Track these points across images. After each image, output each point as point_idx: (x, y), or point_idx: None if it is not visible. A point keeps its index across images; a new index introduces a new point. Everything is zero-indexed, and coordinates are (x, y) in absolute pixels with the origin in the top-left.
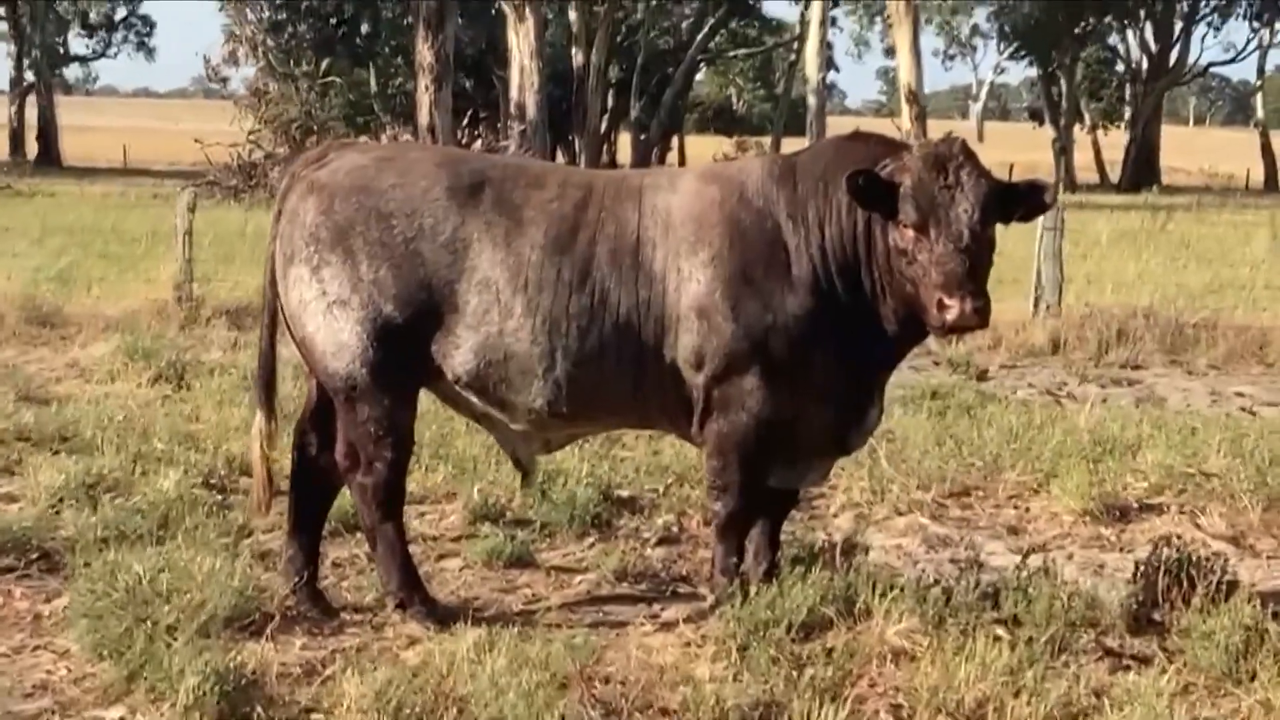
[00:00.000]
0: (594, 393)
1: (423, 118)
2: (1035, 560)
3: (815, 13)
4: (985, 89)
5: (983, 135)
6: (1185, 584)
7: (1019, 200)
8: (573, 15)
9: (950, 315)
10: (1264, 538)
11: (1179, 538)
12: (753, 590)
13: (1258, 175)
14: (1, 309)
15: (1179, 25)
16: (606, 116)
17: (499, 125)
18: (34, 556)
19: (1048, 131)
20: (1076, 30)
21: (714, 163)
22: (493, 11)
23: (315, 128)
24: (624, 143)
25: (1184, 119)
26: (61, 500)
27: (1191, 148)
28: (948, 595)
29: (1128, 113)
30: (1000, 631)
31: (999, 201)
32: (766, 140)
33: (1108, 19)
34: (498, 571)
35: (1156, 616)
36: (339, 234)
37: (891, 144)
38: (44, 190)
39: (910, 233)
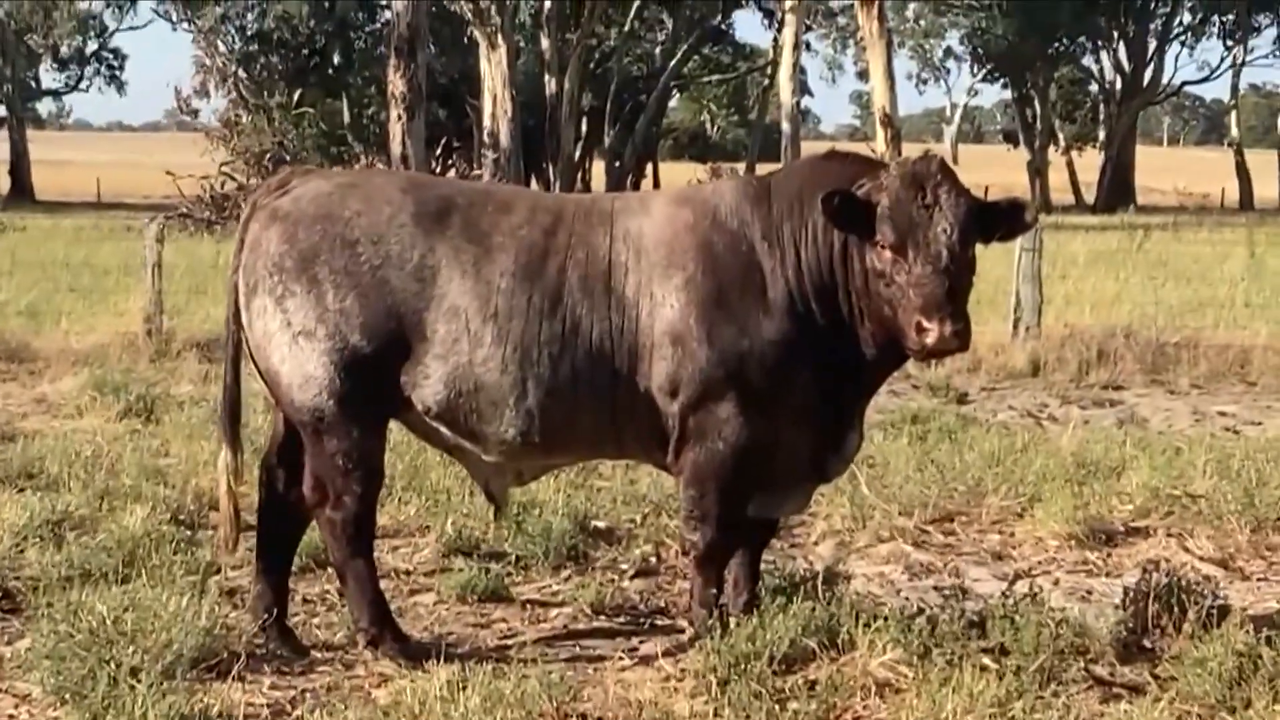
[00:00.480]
0: (567, 422)
1: (395, 147)
2: (1021, 587)
3: (788, 37)
4: (959, 112)
5: (957, 158)
6: (1176, 610)
7: (999, 219)
8: (545, 43)
9: (929, 339)
10: (1253, 560)
11: (1167, 561)
12: (732, 622)
13: (1233, 194)
14: None
15: (1153, 45)
16: (580, 144)
17: (473, 154)
18: None
19: (1022, 153)
20: (1050, 51)
21: (686, 186)
22: (465, 40)
23: (288, 158)
24: (598, 170)
25: (1158, 139)
26: (25, 539)
27: (1166, 167)
28: (933, 625)
29: (1102, 133)
30: (987, 661)
31: (979, 221)
32: (741, 166)
33: (1081, 39)
34: (472, 606)
35: (1147, 643)
36: (303, 263)
37: (868, 163)
38: (14, 225)
39: (888, 254)
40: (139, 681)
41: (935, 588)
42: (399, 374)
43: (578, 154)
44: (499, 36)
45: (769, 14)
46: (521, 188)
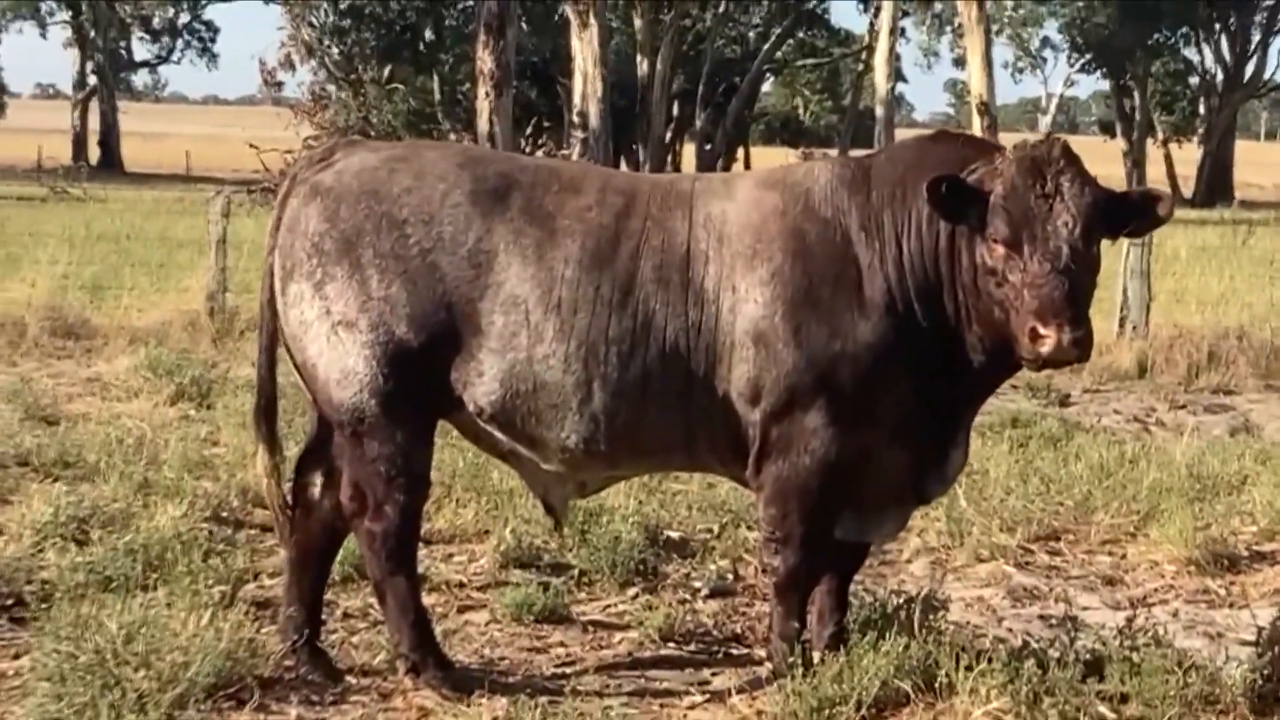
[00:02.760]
0: (635, 429)
1: (483, 125)
2: (1139, 620)
3: (885, 22)
4: (1055, 102)
5: None
6: None
7: (1130, 213)
8: (638, 23)
9: (1045, 347)
10: None
11: None
12: (816, 658)
13: None
14: (24, 318)
15: (1256, 37)
16: (671, 126)
17: (562, 134)
18: (8, 603)
19: (1118, 145)
20: (1150, 42)
21: (777, 166)
22: (557, 19)
23: (373, 134)
24: (688, 153)
25: (1255, 133)
26: (46, 537)
27: (1265, 162)
28: (1043, 666)
29: (1201, 126)
30: (1105, 711)
31: (1105, 214)
32: (834, 152)
33: (1183, 30)
34: (528, 627)
35: None
36: (345, 245)
37: (981, 145)
38: (95, 195)
39: (1001, 249)
40: (146, 713)
41: (1041, 616)
42: (449, 370)
43: (668, 136)
44: (590, 15)
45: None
46: (591, 165)
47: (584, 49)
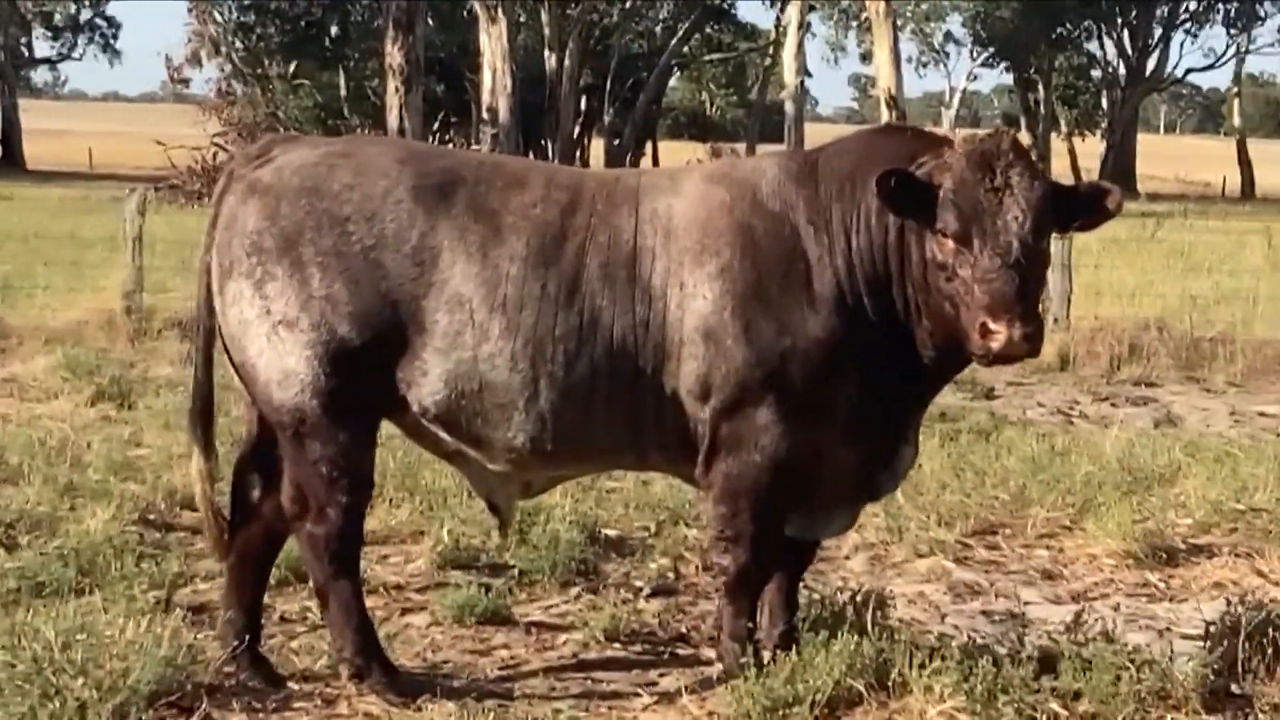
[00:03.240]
0: (583, 428)
1: (392, 120)
2: (1085, 616)
3: (793, 16)
4: (958, 96)
5: None
6: (1269, 649)
7: (1079, 206)
8: (545, 18)
9: (996, 343)
10: None
11: (1235, 585)
12: (767, 658)
13: (1233, 182)
14: None
15: (1158, 31)
16: (579, 121)
17: (470, 130)
18: None
19: (1023, 139)
20: (1053, 36)
21: (723, 161)
22: (465, 14)
23: (281, 129)
24: (597, 148)
25: (1155, 127)
26: None
27: (1165, 155)
28: (996, 664)
29: (1104, 120)
30: (1056, 707)
31: (1055, 208)
32: (741, 146)
33: (1085, 24)
34: (470, 629)
35: (1236, 689)
36: (286, 243)
37: (929, 139)
38: (1, 194)
39: (950, 244)
40: None
41: (984, 612)
42: (393, 370)
43: (577, 131)
44: (499, 10)
45: None
46: (535, 161)
47: (492, 44)
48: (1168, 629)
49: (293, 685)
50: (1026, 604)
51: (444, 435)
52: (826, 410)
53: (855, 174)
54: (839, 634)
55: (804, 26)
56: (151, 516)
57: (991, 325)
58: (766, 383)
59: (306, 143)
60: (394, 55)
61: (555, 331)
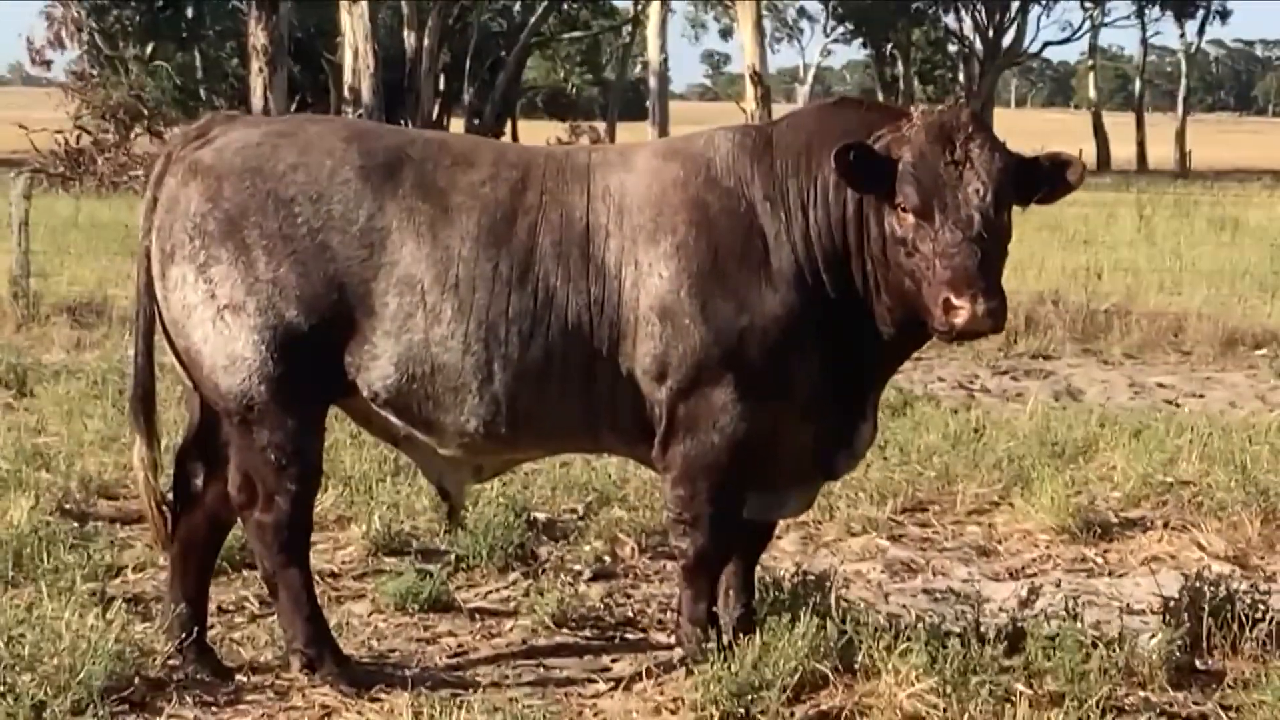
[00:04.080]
0: (537, 411)
1: (256, 101)
2: (1027, 592)
3: None
4: (812, 72)
5: None
6: (1233, 624)
7: (1040, 179)
8: None
9: (959, 318)
10: (1271, 556)
11: (1173, 558)
12: (726, 640)
13: (1089, 155)
14: None
15: (1015, 5)
16: (439, 101)
17: (329, 111)
18: None
19: None
20: (911, 10)
21: (675, 136)
22: None
23: (144, 112)
24: (457, 127)
25: (1006, 100)
26: None
27: (1018, 129)
28: (965, 645)
29: (961, 94)
30: (1023, 688)
31: (1016, 181)
32: (601, 125)
33: None
34: (413, 617)
35: (1200, 665)
36: (230, 225)
37: (886, 111)
38: None
39: (910, 218)
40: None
41: (925, 590)
42: (342, 354)
43: (436, 111)
44: None
45: None
46: (482, 138)
47: (354, 24)
48: (1127, 607)
49: (242, 677)
50: (964, 581)
51: (394, 420)
52: (785, 389)
53: (811, 148)
54: (800, 616)
55: (667, 2)
56: (68, 506)
57: (954, 300)
58: (725, 362)
59: (247, 122)
60: (258, 35)
61: (508, 313)
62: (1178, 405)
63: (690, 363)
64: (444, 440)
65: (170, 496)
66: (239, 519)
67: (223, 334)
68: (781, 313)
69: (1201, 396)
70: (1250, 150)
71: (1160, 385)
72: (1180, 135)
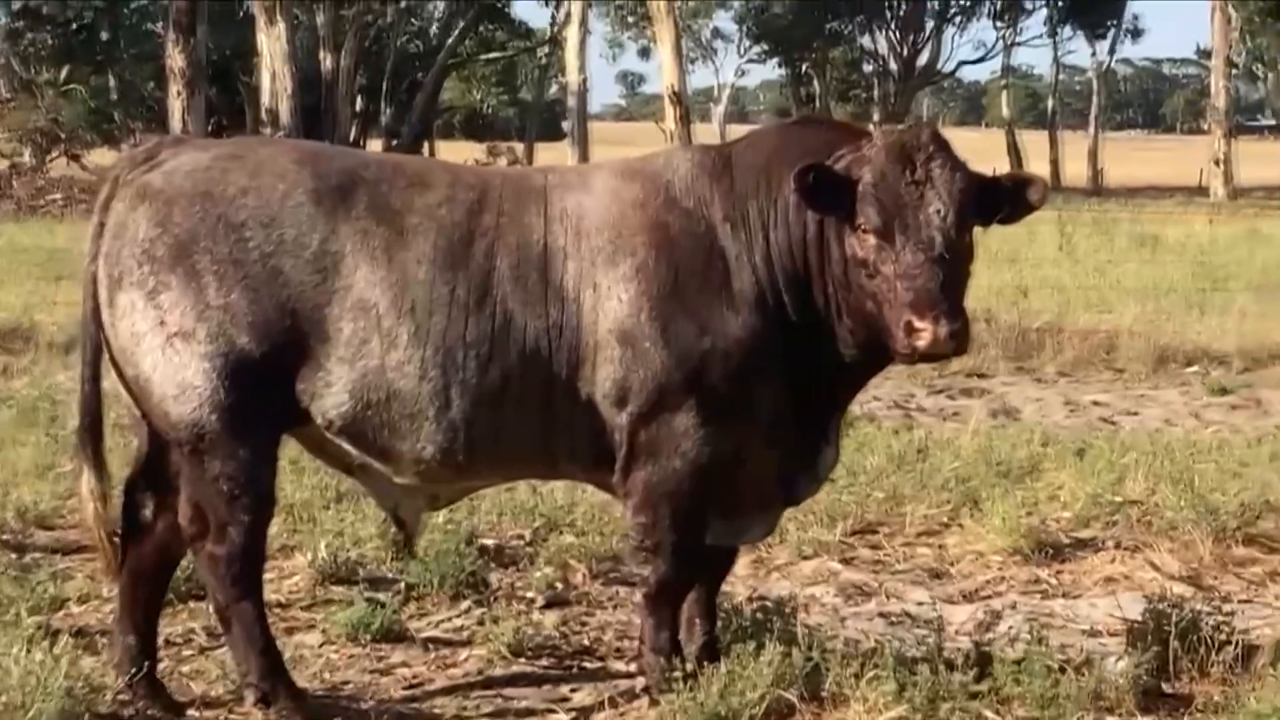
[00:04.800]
0: (495, 437)
1: (175, 124)
2: (983, 615)
3: (576, 13)
4: (727, 92)
5: (725, 138)
6: (1200, 648)
7: (1002, 199)
8: (321, 19)
9: (921, 341)
10: (1224, 576)
11: (1127, 578)
12: (689, 669)
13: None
14: None
15: (930, 25)
16: (357, 122)
17: (246, 133)
18: None
19: None
20: (827, 31)
21: (632, 157)
22: (239, 16)
23: (63, 135)
24: (374, 148)
25: (918, 119)
26: None
27: None
28: (934, 671)
29: (877, 113)
30: (991, 714)
31: (978, 201)
32: (519, 146)
33: (859, 18)
34: (366, 647)
35: (1168, 689)
36: (179, 250)
37: (846, 130)
38: None
39: (871, 239)
40: None
41: (881, 614)
42: (295, 382)
43: (354, 133)
44: (277, 12)
45: None
46: (435, 159)
47: (272, 45)
48: (1092, 629)
49: (194, 713)
50: (919, 604)
51: (349, 448)
52: (747, 413)
53: (771, 168)
54: (765, 644)
55: (587, 22)
56: (5, 537)
57: (916, 323)
58: (686, 386)
59: (195, 145)
60: (175, 58)
61: (466, 337)
62: (1114, 423)
63: (651, 387)
64: (400, 468)
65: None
66: (190, 550)
67: (173, 362)
68: (743, 335)
69: (1136, 414)
70: (1161, 168)
71: (1095, 403)
72: (1094, 153)
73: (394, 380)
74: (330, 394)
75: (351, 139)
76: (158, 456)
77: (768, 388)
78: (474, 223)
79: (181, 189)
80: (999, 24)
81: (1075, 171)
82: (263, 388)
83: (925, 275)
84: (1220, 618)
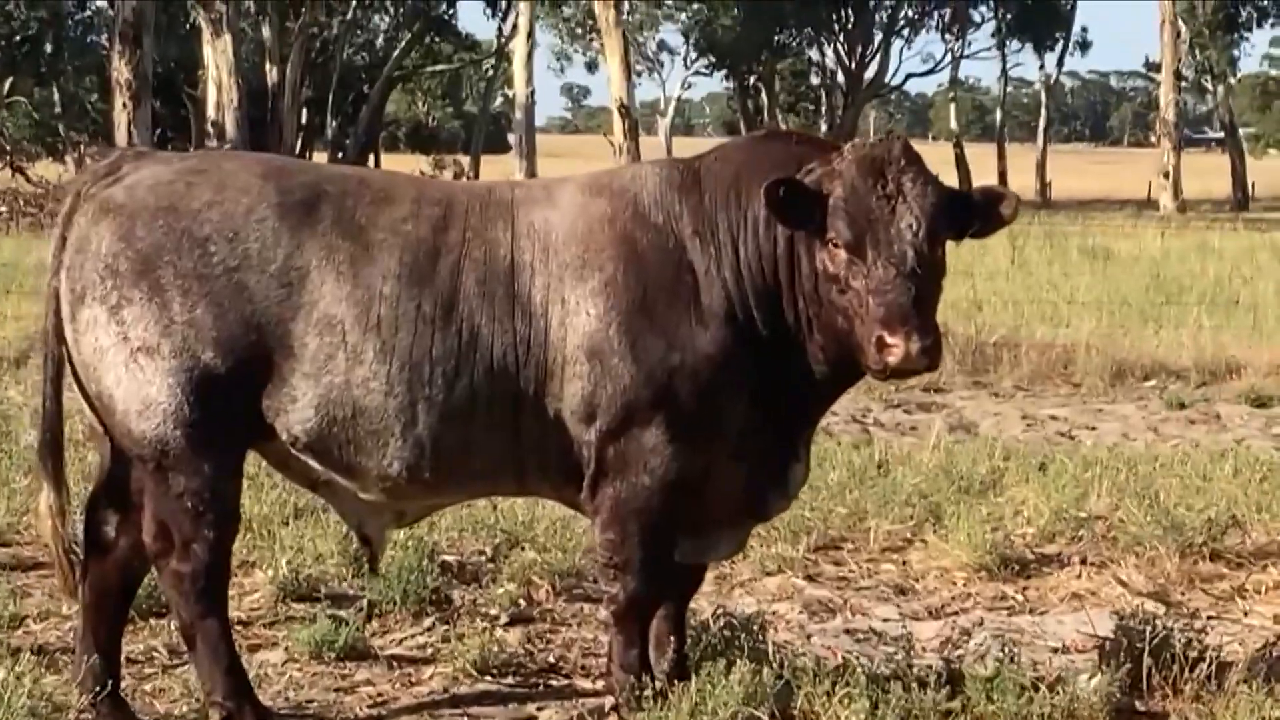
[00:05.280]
0: (462, 454)
1: (121, 137)
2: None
3: (523, 26)
4: (673, 105)
5: (671, 151)
6: (1173, 665)
7: (974, 213)
8: (266, 31)
9: (893, 357)
10: (1191, 592)
11: (1093, 595)
12: (658, 687)
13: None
14: None
15: (879, 37)
16: (301, 135)
17: (190, 146)
18: None
19: None
20: (774, 43)
21: (600, 171)
22: (184, 28)
23: (7, 147)
24: (320, 160)
25: (865, 132)
26: None
27: None
28: (906, 689)
29: (824, 126)
30: None
31: (950, 215)
32: (465, 158)
33: (807, 31)
34: (329, 665)
35: (1141, 707)
36: (143, 265)
37: (816, 143)
38: None
39: (842, 254)
40: None
41: (847, 631)
42: (260, 398)
43: (299, 145)
44: (224, 24)
45: (493, 3)
46: (399, 173)
47: (217, 58)
48: (1063, 646)
49: None
50: (885, 621)
51: (314, 464)
52: (717, 429)
53: (740, 181)
54: (734, 661)
55: (532, 35)
56: None
57: (888, 339)
58: (655, 402)
59: (157, 159)
60: (121, 70)
61: (432, 353)
62: (1072, 438)
63: (619, 403)
64: (366, 485)
65: (77, 545)
66: (153, 567)
67: (136, 377)
68: (713, 351)
69: (1094, 428)
70: (1108, 180)
71: (1053, 418)
72: (1041, 166)
73: (360, 396)
74: (295, 410)
75: (296, 151)
76: (120, 472)
77: (737, 404)
78: (440, 238)
79: (145, 203)
80: (947, 37)
81: (1022, 184)
82: (227, 403)
83: (897, 290)
84: (1191, 634)
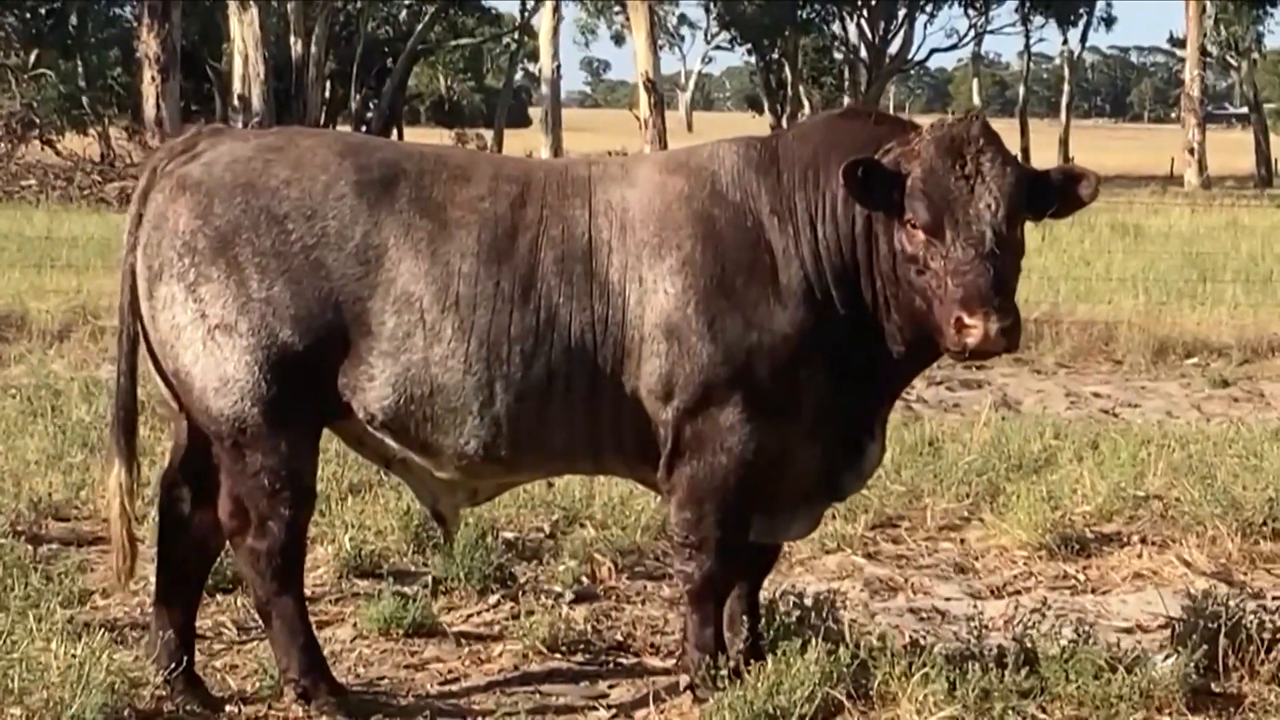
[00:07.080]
0: (539, 432)
1: (149, 110)
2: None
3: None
4: (693, 79)
5: (692, 125)
6: (1251, 646)
7: (1052, 193)
8: (291, 4)
9: (972, 338)
10: (1254, 572)
11: (1154, 574)
12: (732, 665)
13: None
14: None
15: (902, 12)
16: (325, 109)
17: (214, 119)
18: None
19: (767, 120)
20: (798, 18)
21: (677, 149)
22: (207, 1)
23: (37, 120)
24: None
25: (884, 107)
26: None
27: None
28: (984, 670)
29: (847, 100)
30: (1036, 712)
31: (1029, 195)
32: (487, 132)
33: (831, 5)
34: (398, 642)
35: (1216, 689)
36: (221, 243)
37: (894, 123)
38: None
39: (920, 235)
40: None
41: (911, 610)
42: (337, 375)
43: (323, 119)
44: None
45: None
46: (476, 151)
47: (244, 31)
48: (1089, 619)
49: (233, 708)
50: (947, 600)
51: (390, 442)
52: (793, 408)
53: (818, 161)
54: (811, 641)
55: (559, 9)
56: (21, 528)
57: (967, 320)
58: (732, 381)
59: (235, 135)
60: (149, 43)
61: (510, 331)
62: (1117, 415)
63: (697, 382)
64: (441, 463)
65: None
66: (229, 544)
67: (214, 355)
68: (790, 330)
69: (1137, 406)
70: (1129, 156)
71: (1096, 395)
72: (1064, 142)
73: (437, 374)
74: (373, 388)
75: (320, 125)
76: (196, 450)
77: (814, 384)
78: (517, 216)
79: (222, 180)
80: (971, 12)
81: (1045, 159)
82: (304, 381)
83: (976, 271)
84: (1265, 615)
